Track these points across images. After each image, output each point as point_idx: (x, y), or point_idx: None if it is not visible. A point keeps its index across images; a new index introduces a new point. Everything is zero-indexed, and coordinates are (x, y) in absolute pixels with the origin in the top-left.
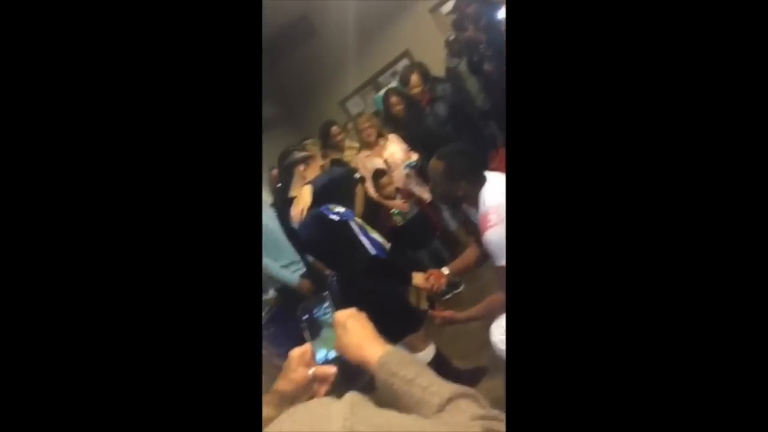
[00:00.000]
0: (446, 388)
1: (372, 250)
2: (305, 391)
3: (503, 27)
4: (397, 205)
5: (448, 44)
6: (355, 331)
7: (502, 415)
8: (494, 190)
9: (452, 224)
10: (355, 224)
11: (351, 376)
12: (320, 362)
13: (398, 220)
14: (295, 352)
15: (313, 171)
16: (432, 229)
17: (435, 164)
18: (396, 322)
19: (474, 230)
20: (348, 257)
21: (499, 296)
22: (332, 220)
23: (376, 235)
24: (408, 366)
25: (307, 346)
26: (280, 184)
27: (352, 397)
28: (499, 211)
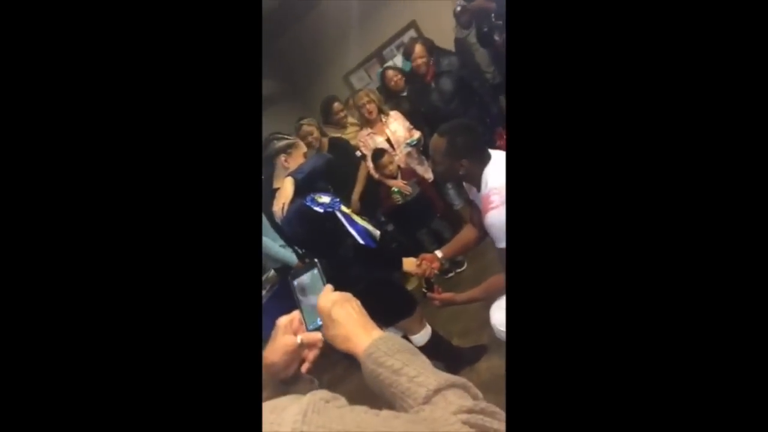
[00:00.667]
0: (434, 378)
1: (360, 240)
2: (293, 359)
3: None
4: (398, 184)
5: (456, 15)
6: (341, 321)
7: (491, 407)
8: (498, 169)
9: (457, 203)
10: (342, 214)
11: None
12: (311, 329)
13: (397, 199)
14: (282, 321)
15: (296, 160)
16: (433, 209)
17: (436, 141)
18: (389, 308)
19: (474, 208)
20: (335, 249)
21: (499, 277)
22: (317, 213)
23: (364, 224)
24: (396, 355)
25: (294, 314)
26: (263, 176)
27: (312, 397)
28: (502, 192)
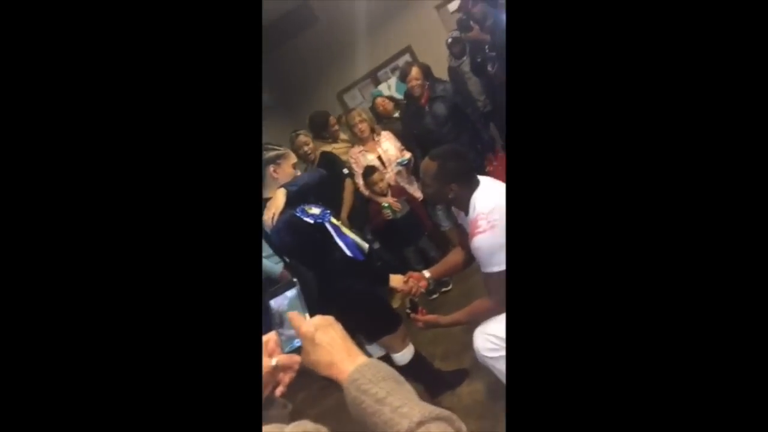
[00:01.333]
0: (418, 410)
1: (348, 252)
2: (267, 382)
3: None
4: (389, 200)
5: (449, 45)
6: (324, 346)
7: None
8: (487, 195)
9: (444, 224)
10: (331, 226)
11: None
12: (287, 351)
13: (388, 214)
14: (265, 337)
15: (285, 171)
16: (421, 228)
17: (427, 164)
18: (372, 323)
19: (462, 233)
20: (323, 260)
21: (484, 302)
22: (306, 223)
23: (353, 237)
24: (381, 383)
25: (271, 335)
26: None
27: (295, 429)
28: (489, 217)
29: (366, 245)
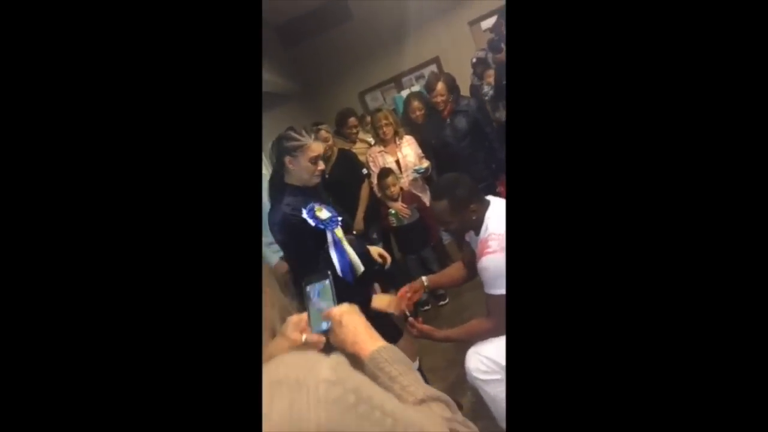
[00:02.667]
0: (422, 389)
1: (339, 271)
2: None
3: None
4: (398, 207)
5: (473, 65)
6: (349, 327)
7: (469, 422)
8: (499, 215)
9: (445, 238)
10: (333, 237)
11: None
12: (315, 332)
13: (392, 222)
14: (294, 318)
15: (300, 164)
16: (428, 238)
17: (438, 206)
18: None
19: (466, 249)
20: (309, 269)
21: (482, 322)
22: (307, 226)
23: (351, 256)
24: (395, 364)
25: (303, 315)
26: (271, 169)
27: (338, 356)
28: (501, 239)
29: (361, 268)
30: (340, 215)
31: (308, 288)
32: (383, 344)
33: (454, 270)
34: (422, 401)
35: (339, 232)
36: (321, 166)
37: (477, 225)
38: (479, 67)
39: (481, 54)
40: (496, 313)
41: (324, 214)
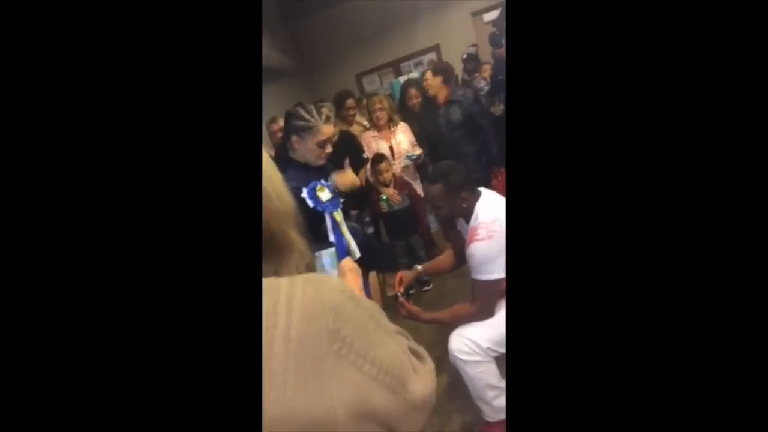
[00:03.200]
0: (389, 325)
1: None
2: None
3: None
4: (389, 193)
5: (463, 60)
6: (350, 280)
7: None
8: (489, 205)
9: (433, 226)
10: (332, 220)
11: None
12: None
13: (383, 207)
14: None
15: (306, 146)
16: (417, 225)
17: (431, 189)
18: None
19: (456, 237)
20: (316, 238)
21: (467, 306)
22: (306, 206)
23: (349, 241)
24: (373, 308)
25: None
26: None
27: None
28: (489, 228)
29: (357, 254)
30: (340, 197)
31: (317, 254)
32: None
33: (445, 257)
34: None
35: (339, 215)
36: (328, 149)
37: (467, 213)
38: (470, 63)
39: (472, 50)
40: (481, 298)
41: (325, 194)
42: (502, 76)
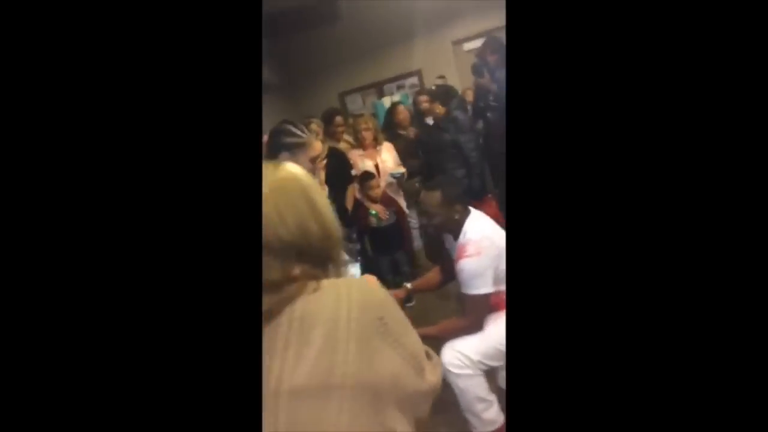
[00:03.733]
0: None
1: None
2: None
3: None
4: (378, 208)
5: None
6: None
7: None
8: (478, 223)
9: (417, 243)
10: None
11: None
12: None
13: (373, 221)
14: None
15: (299, 163)
16: (402, 241)
17: (429, 196)
18: None
19: (442, 255)
20: None
21: (458, 321)
22: None
23: None
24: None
25: None
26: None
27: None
28: (478, 244)
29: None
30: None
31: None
32: None
33: (433, 274)
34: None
35: None
36: (322, 164)
37: (456, 228)
38: (440, 91)
39: (442, 81)
40: (471, 312)
41: None
42: (483, 104)
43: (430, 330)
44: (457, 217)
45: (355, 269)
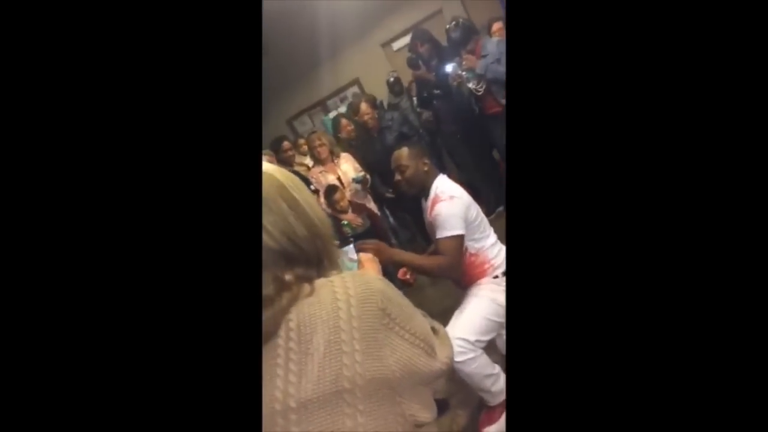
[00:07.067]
0: (411, 304)
1: None
2: None
3: (451, 68)
4: (349, 218)
5: (390, 85)
6: (369, 269)
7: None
8: (446, 183)
9: (402, 234)
10: None
11: None
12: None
13: (347, 232)
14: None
15: None
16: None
17: (398, 153)
18: None
19: (422, 246)
20: None
21: (437, 257)
22: None
23: None
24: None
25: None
26: None
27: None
28: (450, 193)
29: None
30: None
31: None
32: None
33: (432, 256)
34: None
35: None
36: None
37: (426, 184)
38: (395, 85)
39: (395, 75)
40: (448, 253)
41: None
42: (426, 93)
43: (417, 259)
44: (426, 169)
45: (350, 250)
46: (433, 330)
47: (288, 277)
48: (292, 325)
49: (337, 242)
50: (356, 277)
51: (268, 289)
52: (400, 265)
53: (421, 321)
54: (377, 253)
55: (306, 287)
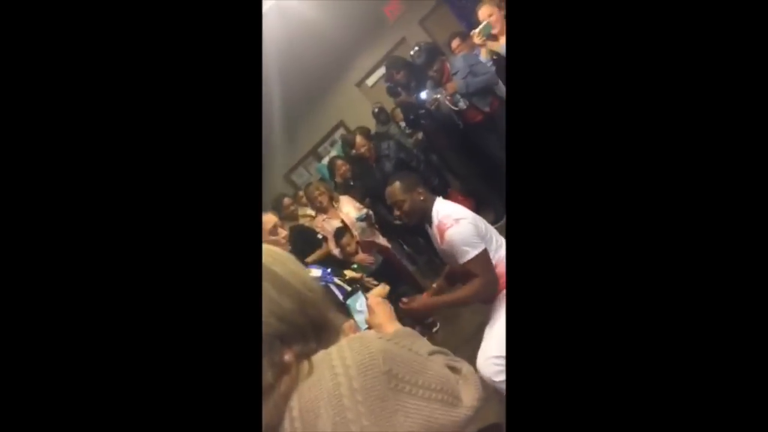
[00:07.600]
0: (426, 347)
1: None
2: None
3: (428, 90)
4: (360, 259)
5: (375, 115)
6: (379, 314)
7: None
8: (444, 206)
9: (418, 261)
10: (336, 286)
11: None
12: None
13: (359, 275)
14: (345, 324)
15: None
16: (398, 273)
17: (391, 188)
18: None
19: (441, 266)
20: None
21: (469, 286)
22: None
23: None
24: (409, 337)
25: (351, 321)
26: None
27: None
28: (453, 216)
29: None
30: (327, 267)
31: (348, 302)
32: (401, 327)
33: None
34: (430, 353)
35: (338, 280)
36: (282, 233)
37: (425, 212)
38: (381, 114)
39: (379, 106)
40: (480, 272)
41: (315, 272)
42: (413, 116)
43: (450, 297)
44: (422, 198)
45: (357, 301)
46: (455, 370)
47: (287, 357)
48: (294, 413)
49: (341, 295)
50: (353, 343)
51: (266, 376)
52: (437, 311)
53: (437, 369)
54: (422, 310)
55: (305, 366)
